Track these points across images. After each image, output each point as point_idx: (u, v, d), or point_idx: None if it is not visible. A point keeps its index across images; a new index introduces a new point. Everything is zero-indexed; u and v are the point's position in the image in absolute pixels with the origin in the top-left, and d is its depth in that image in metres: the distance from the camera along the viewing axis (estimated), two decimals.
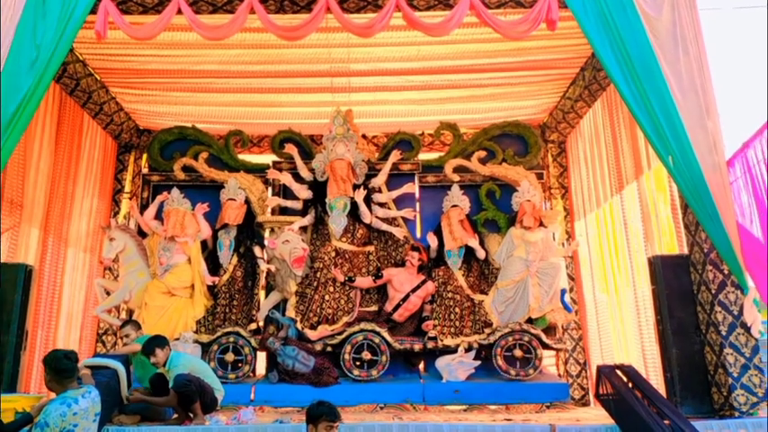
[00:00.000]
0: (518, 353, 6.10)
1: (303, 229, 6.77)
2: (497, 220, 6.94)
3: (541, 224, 6.57)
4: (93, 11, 4.94)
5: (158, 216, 6.74)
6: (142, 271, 6.52)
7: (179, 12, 4.99)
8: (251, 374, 6.34)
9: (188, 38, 5.97)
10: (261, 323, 6.57)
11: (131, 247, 6.53)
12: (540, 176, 7.00)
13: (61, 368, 3.27)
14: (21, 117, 4.74)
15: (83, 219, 6.97)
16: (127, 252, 6.51)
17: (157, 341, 4.75)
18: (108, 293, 6.54)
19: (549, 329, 6.42)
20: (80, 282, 6.97)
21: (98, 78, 6.68)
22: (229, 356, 6.17)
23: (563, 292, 6.51)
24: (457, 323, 6.42)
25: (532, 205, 6.55)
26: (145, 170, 7.49)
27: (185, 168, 7.13)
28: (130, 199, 7.55)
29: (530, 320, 6.35)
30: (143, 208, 6.97)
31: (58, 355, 3.35)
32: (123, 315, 6.87)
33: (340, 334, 6.25)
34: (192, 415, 4.69)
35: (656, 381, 5.50)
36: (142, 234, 6.78)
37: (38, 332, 6.16)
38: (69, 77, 6.35)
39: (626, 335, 6.39)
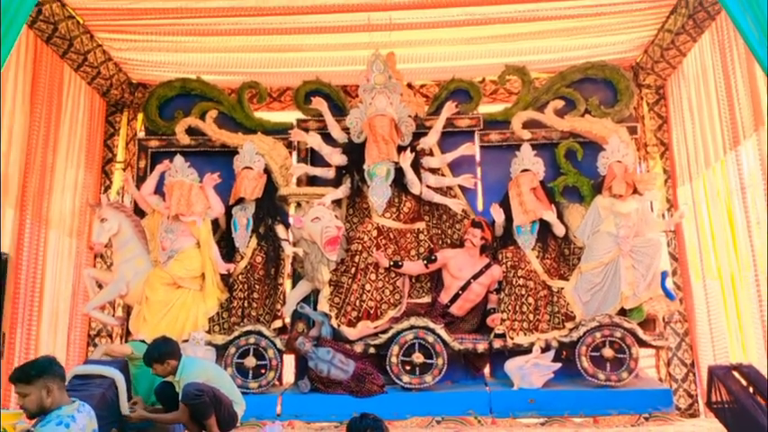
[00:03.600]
0: (608, 352, 5.95)
1: (337, 203, 6.73)
2: (580, 186, 6.80)
3: (636, 191, 6.37)
4: None
5: (159, 190, 6.71)
6: (140, 258, 6.51)
7: None
8: (277, 383, 6.35)
9: None
10: (287, 320, 6.54)
11: (127, 228, 6.50)
12: (633, 131, 6.86)
13: (60, 373, 3.10)
14: None
15: (66, 195, 6.92)
16: (122, 235, 6.48)
17: (167, 348, 4.58)
18: (100, 286, 6.52)
19: (648, 323, 6.27)
20: (66, 272, 6.91)
21: (80, 21, 6.57)
22: (250, 361, 6.14)
23: (664, 275, 6.32)
24: (530, 316, 6.30)
25: (624, 167, 6.39)
26: (141, 134, 7.52)
27: (190, 131, 7.09)
28: (124, 170, 7.56)
29: (622, 312, 6.20)
30: (140, 180, 6.95)
31: (49, 357, 3.19)
32: (119, 312, 6.86)
33: (385, 332, 6.20)
34: None
35: None
36: (140, 213, 6.78)
37: (16, 334, 6.05)
38: (45, 21, 6.21)
39: (744, 328, 6.12)
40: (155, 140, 7.19)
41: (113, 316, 6.81)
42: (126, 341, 6.47)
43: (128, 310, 6.60)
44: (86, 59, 6.88)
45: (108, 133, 7.70)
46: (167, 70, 7.48)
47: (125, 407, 4.65)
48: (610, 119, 6.79)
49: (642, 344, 6.03)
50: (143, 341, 5.81)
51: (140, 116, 7.57)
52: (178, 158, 6.64)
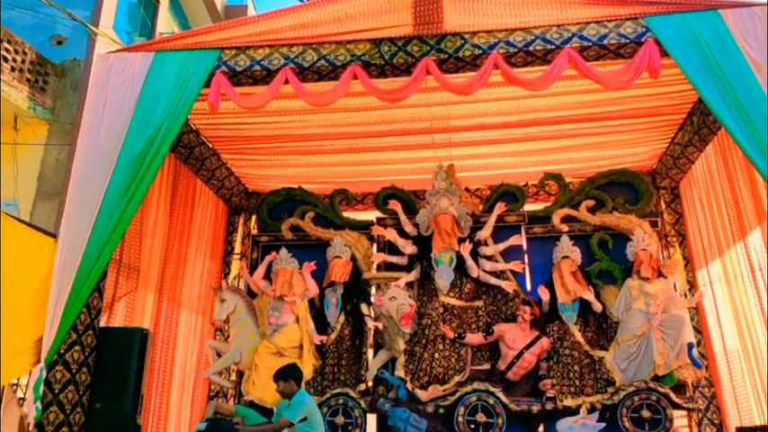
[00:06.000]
0: (646, 413, 5.70)
1: (409, 284, 6.65)
2: (612, 270, 6.61)
3: (660, 274, 6.21)
4: (207, 84, 5.20)
5: (267, 276, 6.78)
6: (252, 332, 6.46)
7: (286, 81, 5.18)
8: None
9: (294, 104, 6.14)
10: (370, 383, 6.40)
11: (242, 307, 6.51)
12: (654, 224, 6.71)
13: None
14: (139, 186, 4.96)
15: (195, 281, 7.09)
16: (237, 313, 6.48)
17: (297, 374, 4.61)
18: (219, 355, 6.53)
19: (679, 387, 6.00)
20: (192, 344, 7.00)
21: (210, 146, 6.92)
22: (339, 419, 6.02)
23: (690, 346, 6.04)
24: (577, 382, 6.08)
25: (649, 254, 6.25)
26: (254, 231, 7.64)
27: (292, 228, 7.22)
28: (240, 260, 7.63)
29: (656, 378, 5.93)
30: (252, 268, 7.06)
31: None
32: (234, 377, 6.85)
33: (452, 394, 6.01)
34: None
35: None
36: (252, 294, 6.81)
37: (152, 395, 6.15)
38: (184, 146, 6.60)
39: (764, 392, 5.75)
40: (265, 236, 7.33)
41: (229, 380, 6.76)
42: (238, 401, 6.49)
43: (240, 374, 6.59)
44: (214, 175, 7.17)
45: (228, 231, 7.84)
46: (275, 181, 7.70)
47: None
48: (634, 215, 6.67)
49: (675, 406, 5.79)
50: (251, 402, 5.99)
51: (254, 218, 7.75)
52: (283, 250, 6.75)
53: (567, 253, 6.50)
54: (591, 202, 6.85)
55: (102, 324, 5.35)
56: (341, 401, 6.05)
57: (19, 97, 7.03)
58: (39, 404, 4.61)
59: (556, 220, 6.80)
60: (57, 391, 4.79)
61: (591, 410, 5.83)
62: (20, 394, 6.71)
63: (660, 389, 5.75)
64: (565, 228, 6.75)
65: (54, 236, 4.96)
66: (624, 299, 6.24)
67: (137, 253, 6.12)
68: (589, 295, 6.24)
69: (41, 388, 4.59)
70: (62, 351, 4.80)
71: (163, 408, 6.31)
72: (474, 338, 6.28)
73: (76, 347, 4.95)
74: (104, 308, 5.48)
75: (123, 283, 5.92)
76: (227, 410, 5.50)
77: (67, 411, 4.85)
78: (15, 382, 6.48)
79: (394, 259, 6.83)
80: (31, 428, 4.72)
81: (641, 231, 6.39)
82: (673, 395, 5.74)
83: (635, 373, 6.00)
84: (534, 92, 5.57)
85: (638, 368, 6.01)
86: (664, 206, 7.33)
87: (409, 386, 6.05)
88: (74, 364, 4.91)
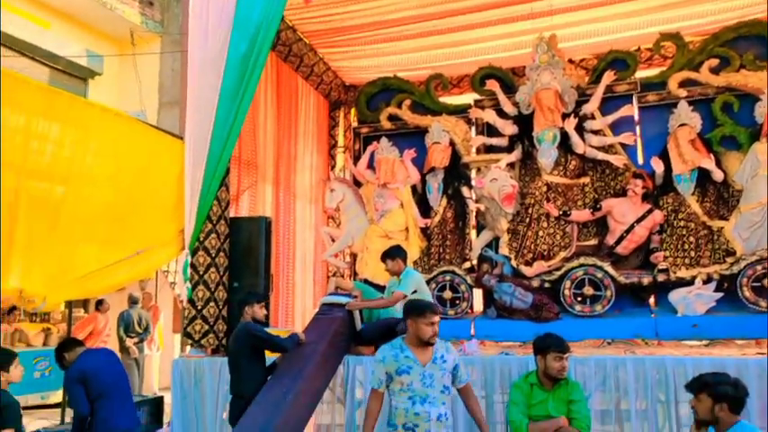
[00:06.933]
0: None
1: (510, 165, 6.52)
2: (737, 135, 6.01)
3: None
4: None
5: (370, 165, 6.96)
6: (361, 218, 6.81)
7: None
8: (469, 311, 6.34)
9: None
10: (474, 262, 6.52)
11: (350, 196, 6.83)
12: None
13: None
14: (249, 85, 5.06)
15: (305, 173, 7.45)
16: (346, 201, 6.83)
17: (403, 253, 4.74)
18: (333, 240, 6.96)
19: None
20: (308, 230, 7.48)
21: (307, 42, 6.96)
22: (447, 294, 6.26)
23: None
24: (692, 253, 5.80)
25: None
26: (354, 124, 7.80)
27: (391, 117, 7.25)
28: (344, 152, 7.89)
29: None
30: (356, 159, 7.27)
31: None
32: (348, 258, 7.29)
33: (558, 270, 5.97)
34: None
35: None
36: (358, 184, 7.08)
37: (279, 276, 6.75)
38: (283, 44, 6.69)
39: None
40: (365, 128, 7.44)
41: (344, 261, 7.21)
42: (354, 279, 6.85)
43: (354, 256, 6.99)
44: (313, 71, 7.27)
45: (331, 125, 8.04)
46: (371, 72, 7.66)
47: (358, 324, 4.85)
48: (766, 71, 5.84)
49: None
50: (365, 280, 6.26)
51: (353, 110, 7.86)
52: (383, 140, 6.85)
53: (685, 120, 5.97)
54: (714, 62, 6.11)
55: (231, 214, 5.80)
56: (448, 278, 6.27)
57: (132, 14, 7.43)
58: (188, 284, 5.23)
59: (673, 85, 6.18)
60: (201, 272, 5.40)
61: (707, 281, 5.60)
62: (170, 279, 7.72)
63: None
64: (683, 93, 6.14)
65: (182, 138, 5.28)
66: (750, 164, 5.71)
67: (253, 150, 6.48)
68: (709, 163, 5.77)
69: (189, 270, 5.17)
70: (202, 239, 5.33)
71: (290, 285, 6.94)
72: (580, 215, 6.13)
73: (213, 235, 5.47)
74: (232, 200, 5.91)
75: (245, 177, 6.34)
76: (346, 286, 5.89)
77: (212, 289, 5.48)
78: (166, 268, 7.48)
79: (494, 141, 6.68)
80: (185, 304, 5.46)
81: None
82: None
83: (758, 242, 5.60)
84: None
85: (762, 237, 5.60)
86: None
87: (514, 263, 6.11)
88: (212, 249, 5.46)
